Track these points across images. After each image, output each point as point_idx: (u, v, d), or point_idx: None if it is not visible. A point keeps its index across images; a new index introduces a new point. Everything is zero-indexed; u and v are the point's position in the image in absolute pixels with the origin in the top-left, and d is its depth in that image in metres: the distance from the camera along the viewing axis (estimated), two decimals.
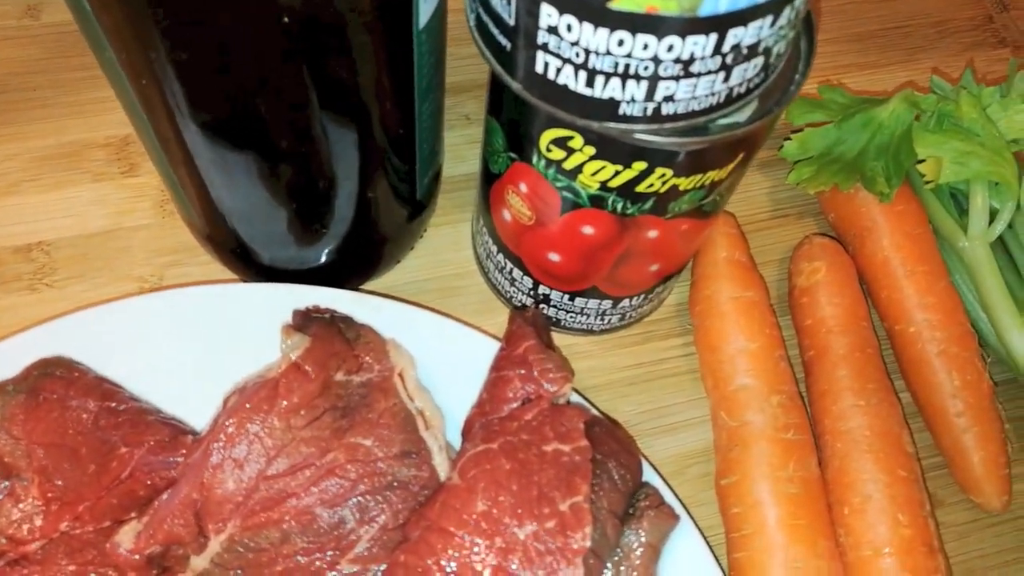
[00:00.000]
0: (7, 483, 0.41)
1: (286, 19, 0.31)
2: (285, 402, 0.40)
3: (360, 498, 0.40)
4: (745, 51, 0.30)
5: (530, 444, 0.39)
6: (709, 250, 0.50)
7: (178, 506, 0.39)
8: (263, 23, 0.31)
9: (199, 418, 0.44)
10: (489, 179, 0.44)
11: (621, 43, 0.29)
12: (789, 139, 0.54)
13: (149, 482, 0.40)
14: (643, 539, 0.40)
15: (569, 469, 0.38)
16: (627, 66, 0.30)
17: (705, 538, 0.42)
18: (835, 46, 0.65)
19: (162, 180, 0.45)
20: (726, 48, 0.30)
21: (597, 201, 0.38)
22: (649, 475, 0.43)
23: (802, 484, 0.44)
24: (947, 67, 0.64)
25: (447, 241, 0.55)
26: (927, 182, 0.51)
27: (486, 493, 0.38)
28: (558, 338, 0.51)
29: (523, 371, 0.42)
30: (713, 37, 0.29)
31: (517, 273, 0.48)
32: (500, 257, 0.48)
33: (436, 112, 0.44)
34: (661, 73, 0.30)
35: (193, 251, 0.53)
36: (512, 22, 0.31)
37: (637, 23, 0.28)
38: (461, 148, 0.58)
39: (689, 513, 0.43)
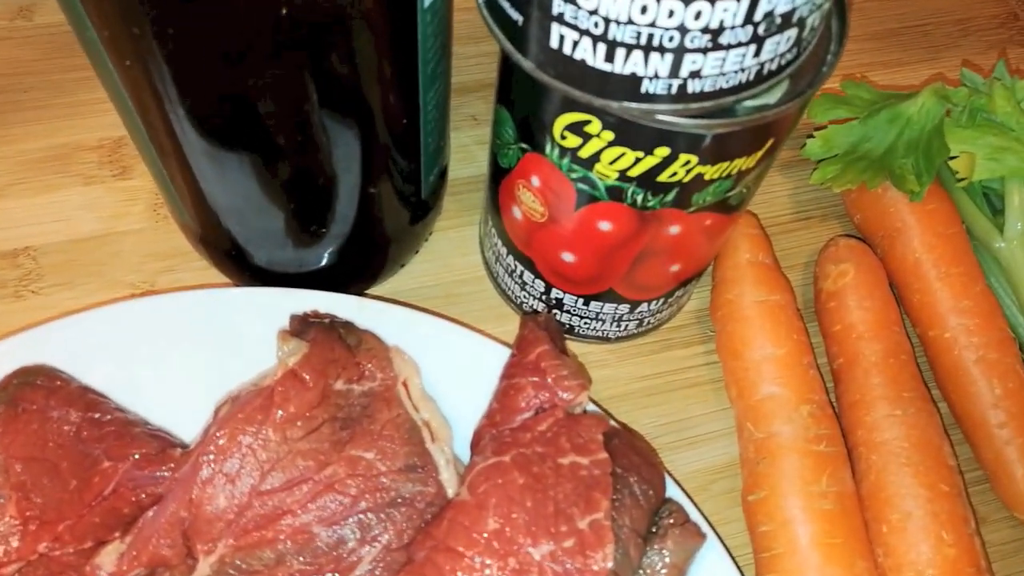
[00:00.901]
0: None
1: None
2: (281, 412, 0.37)
3: (361, 515, 0.37)
4: (779, 20, 0.28)
5: (545, 457, 0.37)
6: (731, 252, 0.47)
7: (165, 525, 0.36)
8: (258, 1, 0.29)
9: (188, 430, 0.41)
10: (498, 175, 0.41)
11: (644, 10, 0.27)
12: (812, 137, 0.52)
13: (134, 499, 0.37)
14: (667, 559, 0.37)
15: (588, 484, 0.36)
16: (650, 37, 0.27)
17: (733, 558, 0.39)
18: (855, 44, 0.63)
19: (154, 178, 0.42)
20: (758, 16, 0.27)
21: (615, 193, 0.35)
22: (671, 490, 0.40)
23: (837, 500, 0.40)
24: (971, 65, 0.62)
25: (453, 245, 0.52)
26: (959, 180, 0.49)
27: (498, 510, 0.35)
28: (571, 347, 0.48)
29: (536, 378, 0.39)
30: (745, 2, 0.26)
31: (528, 276, 0.45)
32: (510, 259, 0.45)
33: (442, 103, 0.42)
34: (687, 44, 0.28)
35: (187, 256, 0.50)
36: None
37: None
38: (468, 149, 0.56)
39: (715, 531, 0.40)
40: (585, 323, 0.46)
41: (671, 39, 0.27)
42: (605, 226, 0.38)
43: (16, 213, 0.51)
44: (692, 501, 0.40)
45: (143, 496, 0.37)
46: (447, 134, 0.47)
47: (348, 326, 0.42)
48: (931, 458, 0.41)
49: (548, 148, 0.35)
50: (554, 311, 0.46)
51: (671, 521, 0.38)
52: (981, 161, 0.47)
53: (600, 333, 0.47)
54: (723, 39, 0.27)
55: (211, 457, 0.36)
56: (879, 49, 0.62)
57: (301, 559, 0.36)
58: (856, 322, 0.46)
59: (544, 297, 0.45)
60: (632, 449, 0.39)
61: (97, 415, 0.39)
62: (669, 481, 0.40)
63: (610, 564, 0.34)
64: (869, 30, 0.64)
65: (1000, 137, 0.47)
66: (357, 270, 0.47)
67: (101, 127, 0.55)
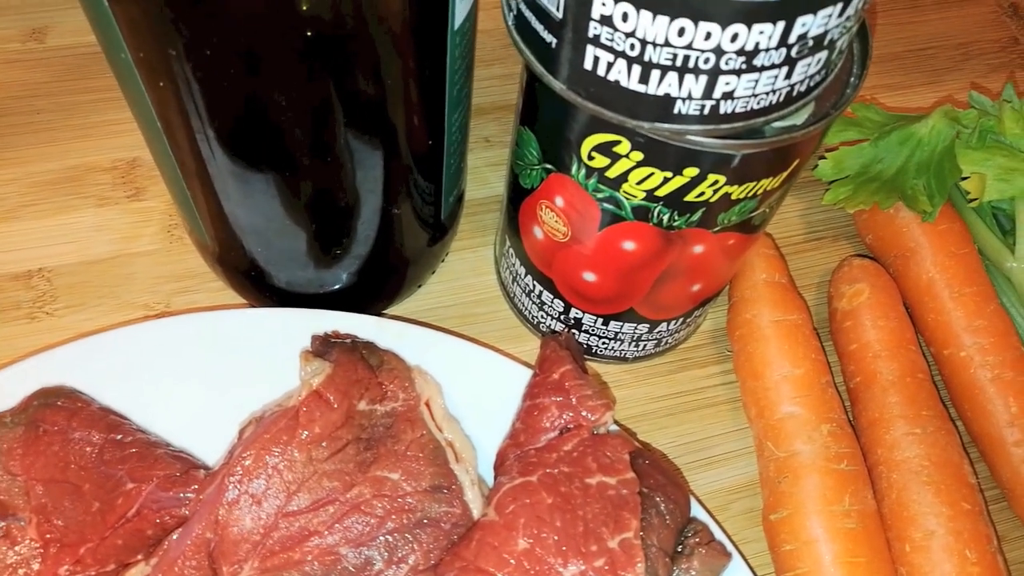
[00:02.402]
0: (3, 524, 0.37)
1: (315, 19, 0.29)
2: (306, 432, 0.37)
3: (388, 536, 0.37)
4: (811, 43, 0.28)
5: (572, 476, 0.36)
6: (748, 272, 0.48)
7: (190, 547, 0.35)
8: (290, 23, 0.29)
9: (210, 452, 0.40)
10: (519, 195, 0.41)
11: (682, 32, 0.27)
12: (823, 158, 0.52)
13: (158, 520, 0.37)
14: None
15: (616, 503, 0.35)
16: (686, 58, 0.28)
17: None
18: None
19: (173, 199, 0.42)
20: (792, 38, 0.28)
21: (641, 213, 0.36)
22: (695, 510, 0.40)
23: (859, 519, 0.41)
24: (975, 88, 0.63)
25: (468, 266, 0.52)
26: (970, 200, 0.49)
27: (527, 529, 0.35)
28: (589, 367, 0.48)
29: (560, 398, 0.39)
30: (780, 25, 0.27)
31: (547, 296, 0.45)
32: (528, 280, 0.46)
33: (464, 126, 0.42)
34: (722, 66, 0.28)
35: (202, 277, 0.50)
36: (559, 15, 0.29)
37: (700, 10, 0.26)
38: (482, 171, 0.56)
39: (739, 550, 0.40)
40: (604, 343, 0.46)
41: (706, 61, 0.28)
42: (629, 246, 0.38)
43: (30, 234, 0.51)
44: (716, 520, 0.40)
45: (167, 518, 0.37)
46: (466, 158, 0.47)
47: (370, 346, 0.42)
48: (952, 476, 0.42)
49: (574, 168, 0.36)
50: (572, 331, 0.46)
51: (697, 540, 0.38)
52: (991, 182, 0.48)
53: (618, 353, 0.47)
54: (757, 61, 0.28)
55: (237, 478, 0.36)
56: (883, 72, 0.63)
57: None
58: (872, 341, 0.46)
59: (563, 317, 0.46)
60: (657, 469, 0.39)
61: (119, 436, 0.39)
62: (692, 501, 0.40)
63: None
64: (874, 54, 0.65)
65: (1010, 158, 0.48)
66: (375, 291, 0.47)
67: (114, 148, 0.55)
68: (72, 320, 0.48)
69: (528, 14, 0.31)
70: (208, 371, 0.42)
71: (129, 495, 0.37)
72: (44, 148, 0.55)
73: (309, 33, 0.30)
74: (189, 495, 0.37)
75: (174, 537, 0.36)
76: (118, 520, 0.37)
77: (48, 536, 0.37)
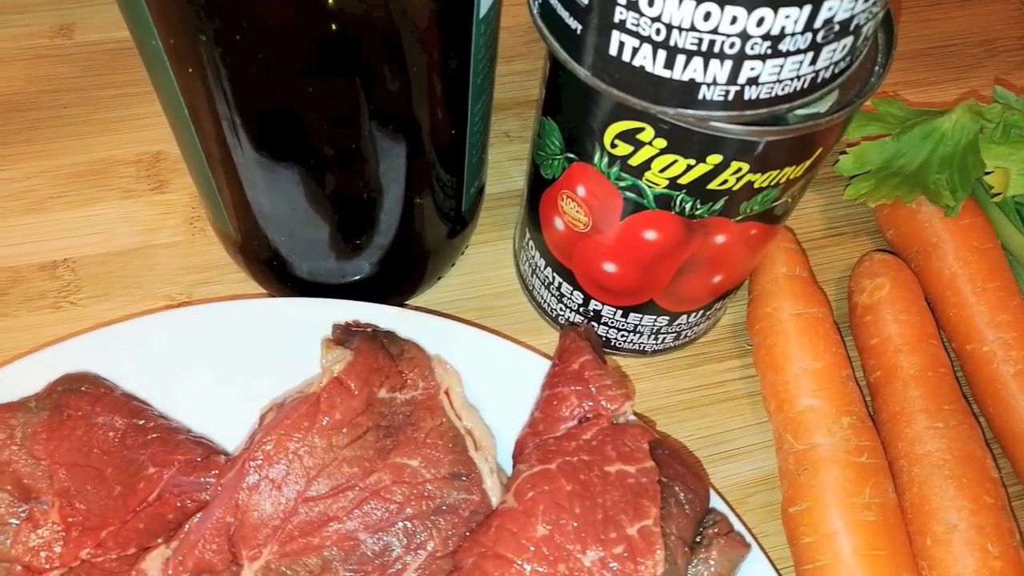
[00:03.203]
0: (26, 507, 0.38)
1: (343, 7, 0.29)
2: (327, 419, 0.37)
3: (407, 522, 0.37)
4: (837, 28, 0.28)
5: (591, 464, 0.36)
6: (768, 266, 0.48)
7: (210, 530, 0.36)
8: (317, 9, 0.29)
9: (230, 438, 0.41)
10: (540, 186, 0.41)
11: (708, 16, 0.27)
12: (844, 153, 0.52)
13: (179, 504, 0.37)
14: (712, 569, 0.37)
15: (635, 491, 0.35)
16: (711, 43, 0.28)
17: (776, 569, 0.39)
18: None
19: (197, 188, 0.43)
20: (818, 23, 0.28)
21: (663, 202, 0.36)
22: (714, 501, 0.40)
23: (880, 512, 0.40)
24: (1000, 83, 0.63)
25: (487, 259, 0.53)
26: (994, 195, 0.49)
27: (546, 516, 0.35)
28: (608, 359, 0.48)
29: (579, 388, 0.39)
30: (807, 9, 0.27)
31: (566, 288, 0.45)
32: (548, 272, 0.46)
33: (486, 117, 0.42)
34: (748, 51, 0.28)
35: (223, 268, 0.51)
36: (585, 1, 0.29)
37: None
38: (502, 165, 0.56)
39: (758, 542, 0.39)
40: (623, 336, 0.46)
41: (732, 45, 0.28)
42: (651, 235, 0.38)
43: (56, 226, 0.52)
44: (735, 512, 0.40)
45: (188, 502, 0.37)
46: (487, 150, 0.47)
47: (390, 335, 0.42)
48: (974, 470, 0.41)
49: (597, 157, 0.36)
50: (591, 323, 0.46)
51: (716, 531, 0.38)
52: (1015, 176, 0.47)
53: (637, 346, 0.47)
54: (783, 46, 0.28)
55: (258, 463, 0.36)
56: (907, 69, 0.63)
57: (347, 566, 0.36)
58: (893, 335, 0.46)
59: (582, 309, 0.46)
60: (676, 459, 0.39)
61: (141, 422, 0.39)
62: (711, 492, 0.40)
63: (661, 570, 0.34)
64: (897, 50, 0.65)
65: None
66: (396, 282, 0.47)
67: (139, 142, 0.56)
68: (96, 309, 0.49)
69: (553, 1, 0.31)
70: (229, 359, 0.42)
71: (150, 479, 0.37)
72: (71, 141, 0.55)
73: (337, 21, 0.30)
74: (210, 480, 0.37)
75: (195, 521, 0.37)
76: (139, 504, 0.37)
77: (70, 519, 0.38)
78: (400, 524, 0.37)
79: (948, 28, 0.66)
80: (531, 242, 0.46)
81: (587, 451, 0.37)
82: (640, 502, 0.35)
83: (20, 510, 0.38)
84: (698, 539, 0.38)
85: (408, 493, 0.37)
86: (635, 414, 0.41)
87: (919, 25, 0.66)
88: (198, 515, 0.37)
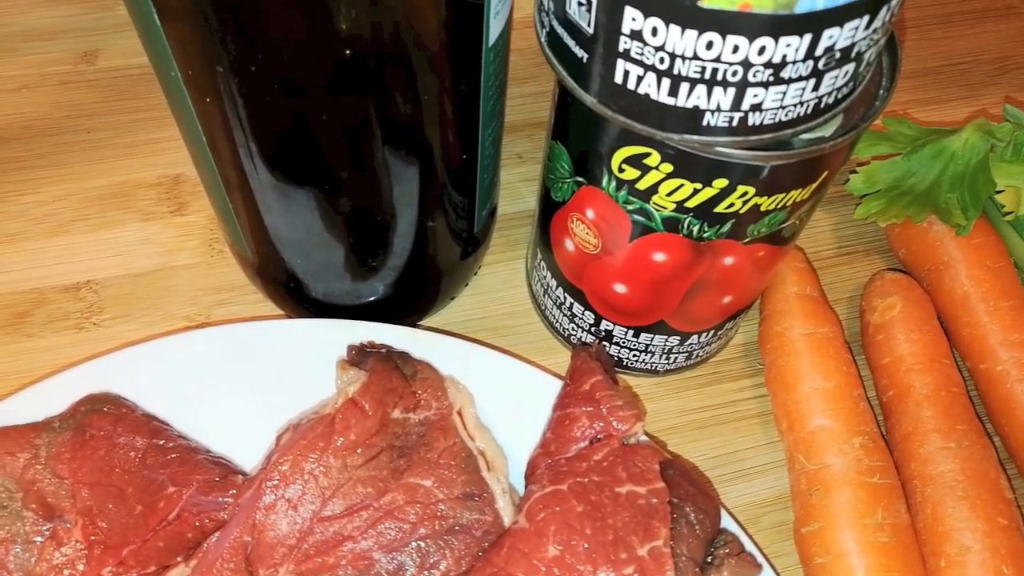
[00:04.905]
0: (50, 525, 0.39)
1: (355, 39, 0.30)
2: (342, 439, 0.38)
3: (420, 542, 0.37)
4: (838, 55, 0.29)
5: (602, 485, 0.37)
6: (779, 285, 0.48)
7: (228, 549, 0.36)
8: (330, 43, 0.30)
9: (248, 458, 0.41)
10: (550, 208, 0.42)
11: (710, 45, 0.28)
12: (854, 173, 0.52)
13: (197, 523, 0.38)
14: None
15: (646, 512, 0.36)
16: (714, 71, 0.28)
17: None
18: None
19: (216, 212, 0.44)
20: (819, 51, 0.28)
21: (671, 224, 0.36)
22: (725, 521, 0.40)
23: (893, 533, 0.40)
24: (1012, 102, 0.63)
25: (500, 279, 0.53)
26: (1005, 214, 0.49)
27: (557, 537, 0.35)
28: (620, 379, 0.48)
29: (590, 408, 0.40)
30: (807, 38, 0.27)
31: (578, 308, 0.46)
32: (559, 292, 0.46)
33: (497, 141, 0.43)
34: (750, 79, 0.28)
35: (241, 289, 0.52)
36: (591, 30, 0.30)
37: (728, 23, 0.27)
38: (515, 186, 0.57)
39: (770, 562, 0.40)
40: (634, 355, 0.47)
41: (735, 73, 0.28)
42: (659, 257, 0.38)
43: (79, 248, 0.53)
44: (746, 533, 0.40)
45: (206, 521, 0.38)
46: (498, 173, 0.48)
47: (404, 356, 0.42)
48: (988, 491, 0.41)
49: (605, 181, 0.36)
50: (603, 343, 0.47)
51: (727, 551, 0.38)
52: None
53: (649, 366, 0.48)
54: (785, 73, 0.28)
55: (274, 483, 0.37)
56: (918, 87, 0.63)
57: None
58: (905, 355, 0.46)
59: (593, 329, 0.46)
60: (687, 479, 0.39)
61: (162, 442, 0.40)
62: (723, 512, 0.40)
63: None
64: (907, 68, 0.65)
65: None
66: (409, 303, 0.48)
67: (159, 165, 0.57)
68: (118, 330, 0.50)
69: (560, 30, 0.32)
70: (246, 379, 0.43)
71: (170, 498, 0.38)
72: (93, 165, 0.57)
73: (349, 53, 0.31)
74: (228, 499, 0.38)
75: (213, 540, 0.37)
76: (159, 523, 0.38)
77: (93, 538, 0.38)
78: (413, 544, 0.37)
79: (960, 46, 0.66)
80: (543, 262, 0.47)
81: (598, 472, 0.37)
82: (650, 523, 0.35)
83: (44, 528, 0.39)
84: (709, 559, 0.38)
85: (421, 513, 0.38)
86: (646, 434, 0.42)
87: (931, 43, 0.66)
88: (216, 534, 0.38)
